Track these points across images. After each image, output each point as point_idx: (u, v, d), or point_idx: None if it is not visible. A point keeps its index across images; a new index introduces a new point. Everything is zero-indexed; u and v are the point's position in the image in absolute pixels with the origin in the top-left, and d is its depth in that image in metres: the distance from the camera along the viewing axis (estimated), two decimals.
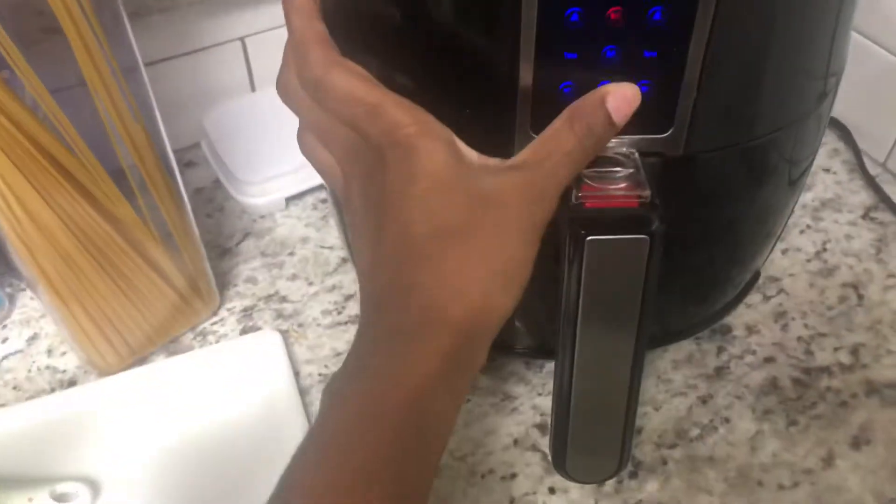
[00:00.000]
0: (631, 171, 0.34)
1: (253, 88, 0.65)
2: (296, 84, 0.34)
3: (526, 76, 0.33)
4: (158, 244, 0.48)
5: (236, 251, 0.58)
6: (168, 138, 0.65)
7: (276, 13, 0.62)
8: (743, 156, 0.39)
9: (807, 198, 0.61)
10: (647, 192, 0.33)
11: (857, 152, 0.63)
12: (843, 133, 0.65)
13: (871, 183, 0.61)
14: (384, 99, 0.32)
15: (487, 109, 0.36)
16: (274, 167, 0.60)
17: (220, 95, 0.64)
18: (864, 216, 0.60)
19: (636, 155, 0.35)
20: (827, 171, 0.63)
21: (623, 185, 0.34)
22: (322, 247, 0.58)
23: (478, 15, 0.33)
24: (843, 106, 0.64)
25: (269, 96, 0.65)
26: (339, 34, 0.35)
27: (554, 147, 0.32)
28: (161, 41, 0.59)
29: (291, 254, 0.58)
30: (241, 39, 0.62)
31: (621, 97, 0.32)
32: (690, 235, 0.43)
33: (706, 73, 0.33)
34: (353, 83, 0.32)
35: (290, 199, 0.61)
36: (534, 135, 0.35)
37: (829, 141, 0.65)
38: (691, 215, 0.41)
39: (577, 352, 0.37)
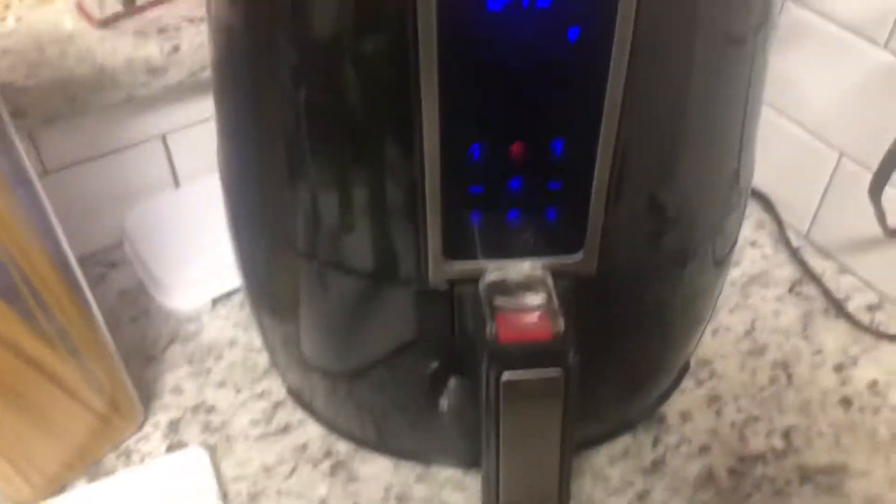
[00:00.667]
0: (544, 299, 0.34)
1: (177, 184, 0.64)
2: None
3: (434, 208, 0.33)
4: (66, 363, 0.45)
5: (161, 358, 0.56)
6: (90, 239, 0.64)
7: (197, 108, 0.62)
8: (659, 269, 0.39)
9: (735, 274, 0.62)
10: (561, 323, 0.33)
11: (780, 224, 0.65)
12: (766, 205, 0.66)
13: (795, 256, 0.63)
14: None
15: (402, 238, 0.35)
16: (198, 267, 0.58)
17: (144, 193, 0.63)
18: (791, 290, 0.61)
19: (549, 280, 0.35)
20: (753, 244, 0.64)
21: (537, 315, 0.34)
22: (250, 349, 0.57)
23: (384, 151, 0.33)
24: (764, 177, 0.66)
25: (193, 192, 0.65)
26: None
27: None
28: (78, 143, 0.58)
29: (219, 358, 0.56)
30: (162, 136, 0.61)
31: None
32: (617, 340, 0.43)
33: (612, 198, 0.34)
34: None
35: (217, 300, 0.59)
36: (449, 260, 0.35)
37: (754, 212, 0.67)
38: (615, 323, 0.42)
39: (502, 473, 0.37)
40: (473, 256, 0.35)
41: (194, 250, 0.59)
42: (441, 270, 0.35)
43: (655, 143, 0.34)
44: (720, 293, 0.49)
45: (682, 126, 0.35)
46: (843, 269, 0.62)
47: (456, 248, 0.35)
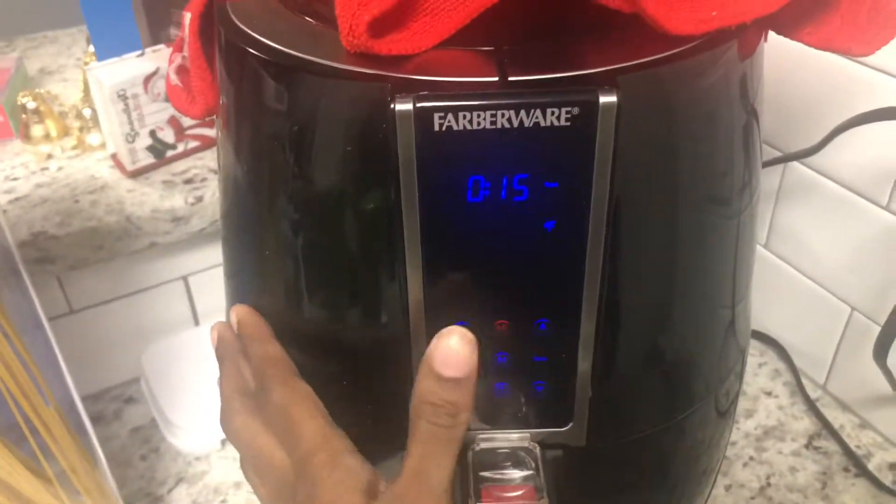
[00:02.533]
0: (530, 472, 0.34)
1: (197, 322, 0.66)
2: (242, 420, 0.36)
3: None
4: None
5: (168, 499, 0.56)
6: (111, 373, 0.65)
7: (218, 251, 0.65)
8: (652, 438, 0.39)
9: (749, 426, 0.60)
10: (545, 501, 0.33)
11: (796, 374, 0.64)
12: (782, 353, 0.65)
13: (813, 408, 0.61)
14: (307, 421, 0.32)
15: (390, 403, 0.36)
16: (209, 407, 0.59)
17: (165, 330, 0.65)
18: (808, 445, 0.59)
19: (538, 451, 0.35)
20: (769, 394, 0.63)
21: (522, 490, 0.33)
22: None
23: (371, 325, 0.34)
24: (780, 326, 0.66)
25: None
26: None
27: (419, 449, 0.31)
28: (103, 284, 0.60)
29: (224, 501, 0.56)
30: (184, 278, 0.63)
31: (442, 355, 0.30)
32: (618, 502, 0.42)
33: (598, 371, 0.34)
34: (291, 400, 0.33)
35: (226, 440, 0.60)
36: None
37: (770, 361, 0.66)
38: (613, 486, 0.41)
39: None
40: None
41: (207, 388, 0.60)
42: None
43: (640, 314, 0.35)
44: (727, 442, 0.48)
45: (669, 292, 0.35)
46: (864, 424, 0.60)
47: None
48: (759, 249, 0.64)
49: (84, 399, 0.64)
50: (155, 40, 0.63)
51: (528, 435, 0.35)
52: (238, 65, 0.33)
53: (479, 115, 0.27)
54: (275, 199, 0.33)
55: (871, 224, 0.53)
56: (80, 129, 0.64)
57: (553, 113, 0.27)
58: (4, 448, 0.42)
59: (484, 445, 0.35)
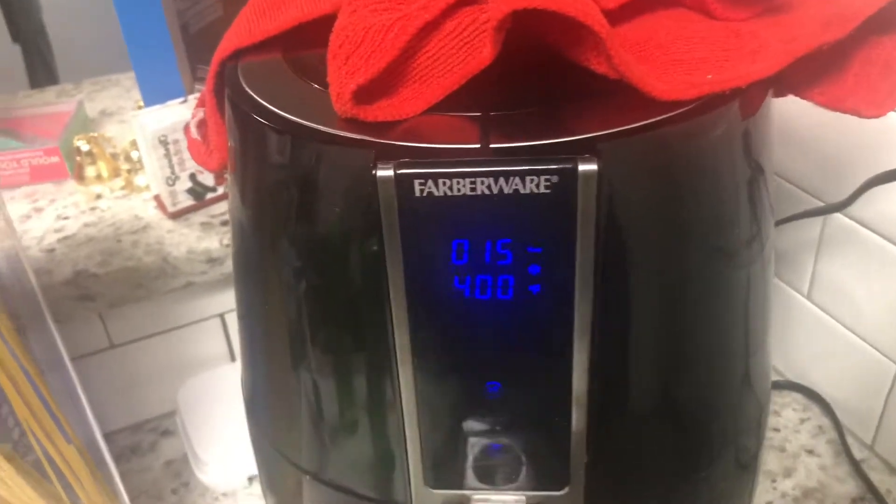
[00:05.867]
0: None
1: (233, 358, 0.68)
2: None
3: (414, 440, 0.34)
4: None
5: None
6: (148, 406, 0.67)
7: None
8: (664, 493, 0.38)
9: (787, 485, 0.58)
10: None
11: (840, 432, 0.61)
12: (826, 409, 0.62)
13: (858, 470, 0.58)
14: None
15: (386, 464, 0.36)
16: (238, 443, 0.60)
17: (201, 365, 0.67)
18: None
19: None
20: (810, 452, 0.60)
21: None
22: None
23: (364, 385, 0.34)
24: (824, 381, 0.63)
25: None
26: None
27: None
28: (144, 320, 0.63)
29: None
30: (221, 316, 0.65)
31: None
32: None
33: (593, 434, 0.33)
34: None
35: (253, 478, 0.61)
36: (432, 489, 0.35)
37: (813, 416, 0.63)
38: None
39: None
40: (458, 486, 0.35)
41: (238, 425, 0.62)
42: (425, 499, 0.35)
43: (637, 373, 0.34)
44: (752, 496, 0.46)
45: (668, 350, 0.34)
46: None
47: (439, 476, 0.35)
48: (801, 300, 0.61)
49: (123, 430, 0.67)
50: (199, 88, 0.65)
51: (523, 498, 0.35)
52: (240, 123, 0.34)
53: (458, 182, 0.28)
54: (274, 247, 0.34)
55: None
56: (129, 171, 0.67)
57: (532, 181, 0.27)
58: (27, 485, 0.44)
59: None
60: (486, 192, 0.28)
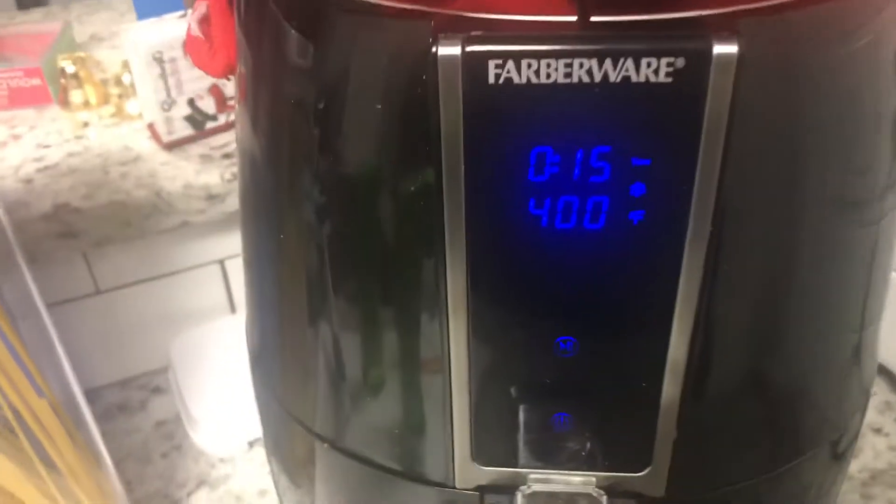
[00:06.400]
0: None
1: (233, 310, 0.61)
2: None
3: (463, 404, 0.27)
4: None
5: (186, 503, 0.52)
6: (139, 360, 0.61)
7: None
8: (748, 492, 0.31)
9: (853, 468, 0.52)
10: None
11: None
12: (894, 383, 0.56)
13: None
14: None
15: (426, 434, 0.29)
16: (238, 404, 0.54)
17: (198, 317, 0.60)
18: None
19: (604, 500, 0.28)
20: (878, 431, 0.54)
21: None
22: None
23: (405, 335, 0.28)
24: (890, 350, 0.56)
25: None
26: None
27: None
28: (134, 264, 0.56)
29: None
30: (220, 262, 0.58)
31: None
32: None
33: (686, 406, 0.27)
34: None
35: (254, 442, 0.55)
36: (479, 465, 0.28)
37: (879, 391, 0.57)
38: None
39: None
40: (510, 463, 0.28)
41: (238, 384, 0.55)
42: (470, 475, 0.29)
43: (746, 336, 0.27)
44: (838, 494, 0.40)
45: (784, 310, 0.27)
46: None
47: (489, 450, 0.28)
48: None
49: (109, 386, 0.60)
50: None
51: (593, 479, 0.28)
52: (254, 8, 0.27)
53: (549, 65, 0.20)
54: (297, 166, 0.27)
55: None
56: (120, 97, 0.59)
57: (650, 65, 0.20)
58: None
59: (537, 488, 0.28)
60: (586, 79, 0.21)
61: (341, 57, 0.24)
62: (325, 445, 0.32)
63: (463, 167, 0.22)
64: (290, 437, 0.36)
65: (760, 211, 0.24)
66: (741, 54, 0.20)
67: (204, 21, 0.35)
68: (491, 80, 0.21)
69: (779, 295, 0.27)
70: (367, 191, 0.25)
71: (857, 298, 0.30)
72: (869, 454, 0.53)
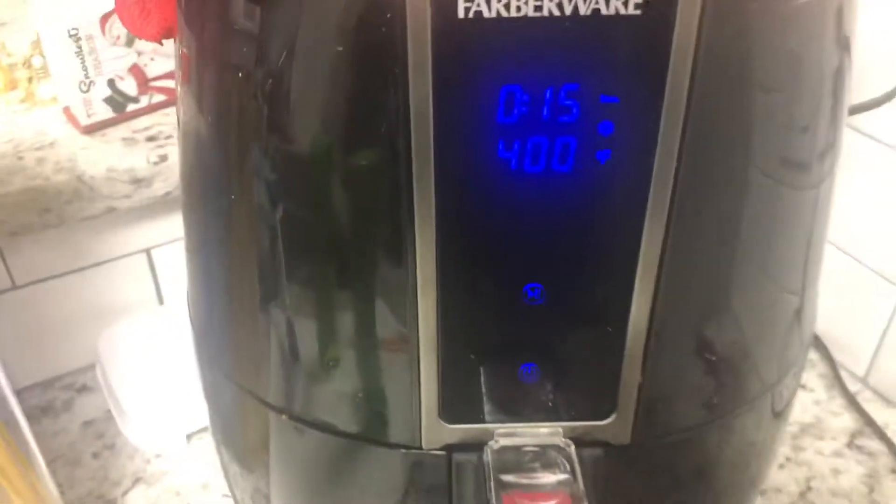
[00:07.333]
0: (566, 476, 0.27)
1: (161, 301, 0.59)
2: None
3: (430, 359, 0.27)
4: None
5: (122, 502, 0.49)
6: (62, 359, 0.58)
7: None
8: (708, 430, 0.32)
9: None
10: None
11: (833, 366, 0.57)
12: (817, 343, 0.59)
13: (853, 403, 0.55)
14: None
15: (390, 394, 0.29)
16: (173, 397, 0.52)
17: (124, 311, 0.57)
18: (850, 444, 0.53)
19: (572, 449, 0.28)
20: (803, 387, 0.57)
21: (555, 499, 0.27)
22: (225, 495, 0.49)
23: (368, 289, 0.27)
24: None
25: (176, 312, 0.59)
26: None
27: None
28: (53, 255, 0.53)
29: None
30: (147, 251, 0.56)
31: None
32: None
33: (651, 353, 0.27)
34: None
35: (192, 435, 0.52)
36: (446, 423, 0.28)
37: None
38: (652, 496, 0.34)
39: None
40: (477, 419, 0.28)
41: (171, 376, 0.53)
42: (437, 435, 0.28)
43: (709, 283, 0.28)
44: (777, 449, 0.42)
45: (742, 260, 0.29)
46: None
47: (456, 407, 0.28)
48: None
49: (31, 388, 0.57)
50: None
51: (559, 430, 0.29)
52: None
53: None
54: (254, 112, 0.26)
55: None
56: (30, 80, 0.56)
57: None
58: None
59: (504, 442, 0.28)
60: (555, 12, 0.21)
61: None
62: (283, 417, 0.31)
63: (431, 110, 0.22)
64: (241, 415, 0.35)
65: (724, 150, 0.25)
66: None
67: None
68: (461, 13, 0.21)
69: (734, 245, 0.28)
70: (334, 141, 0.24)
71: (798, 256, 0.31)
72: (797, 409, 0.55)
